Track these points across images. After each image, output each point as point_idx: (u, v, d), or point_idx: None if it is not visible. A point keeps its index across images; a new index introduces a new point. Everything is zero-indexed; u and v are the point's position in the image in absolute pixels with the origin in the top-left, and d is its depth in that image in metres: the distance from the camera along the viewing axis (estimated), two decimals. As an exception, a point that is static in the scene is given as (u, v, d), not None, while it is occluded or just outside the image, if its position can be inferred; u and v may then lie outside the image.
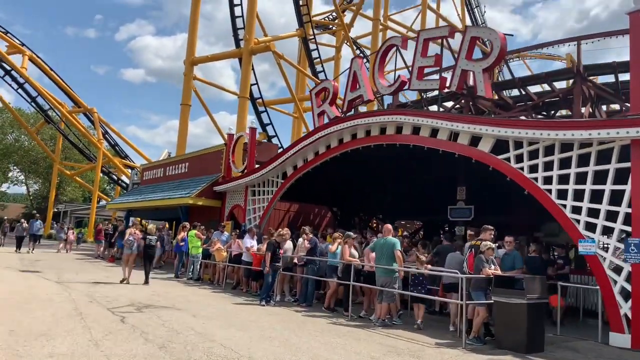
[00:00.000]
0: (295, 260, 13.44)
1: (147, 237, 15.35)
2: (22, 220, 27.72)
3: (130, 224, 17.51)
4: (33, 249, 25.23)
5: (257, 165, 20.32)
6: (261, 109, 37.75)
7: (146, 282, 15.06)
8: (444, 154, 15.86)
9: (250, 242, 14.84)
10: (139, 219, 34.95)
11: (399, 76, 15.18)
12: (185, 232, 18.21)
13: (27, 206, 63.72)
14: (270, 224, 19.60)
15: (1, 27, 42.93)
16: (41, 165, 56.39)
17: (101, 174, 46.56)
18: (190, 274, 17.62)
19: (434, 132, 13.28)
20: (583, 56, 16.74)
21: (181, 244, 18.00)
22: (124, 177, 46.40)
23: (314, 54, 39.18)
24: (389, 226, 10.79)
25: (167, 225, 27.69)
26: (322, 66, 41.09)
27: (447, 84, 13.89)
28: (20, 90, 43.45)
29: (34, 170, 57.27)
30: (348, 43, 46.29)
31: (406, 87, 15.20)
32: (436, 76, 14.64)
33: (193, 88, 37.96)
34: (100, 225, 27.96)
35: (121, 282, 14.96)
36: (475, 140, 12.38)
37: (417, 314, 10.36)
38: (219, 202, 21.95)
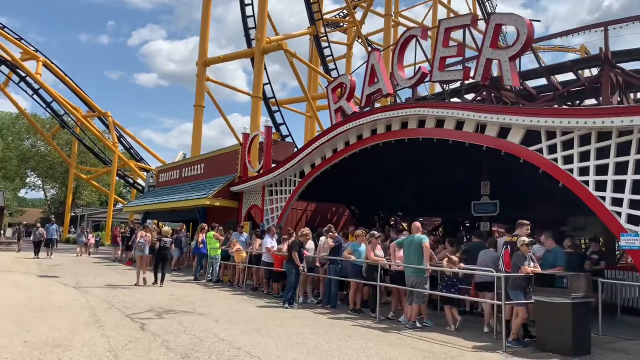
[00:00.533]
0: (318, 262, 12.89)
1: (162, 239, 15.15)
2: (38, 224, 27.32)
3: (142, 226, 17.25)
4: (51, 254, 24.59)
5: (273, 165, 19.81)
6: (274, 108, 37.37)
7: (160, 284, 14.82)
8: (467, 147, 15.25)
9: (270, 242, 14.29)
10: (156, 221, 34.73)
11: (419, 68, 14.56)
12: (204, 234, 17.73)
13: (45, 211, 63.88)
14: (287, 223, 19.06)
15: (15, 34, 42.94)
16: (58, 170, 56.45)
17: (117, 178, 46.41)
18: (209, 275, 17.14)
19: (459, 124, 12.66)
20: (595, 45, 16.04)
21: (200, 245, 17.52)
22: (139, 180, 46.24)
23: (326, 52, 38.64)
24: (417, 223, 10.20)
25: (184, 227, 27.23)
26: (335, 64, 40.52)
27: (472, 75, 13.25)
28: (35, 96, 43.49)
29: (50, 175, 57.36)
30: (360, 40, 45.64)
31: (427, 79, 14.59)
32: (459, 66, 14.03)
33: (206, 89, 37.57)
34: (117, 228, 27.78)
35: (135, 284, 14.74)
36: (503, 131, 11.73)
37: (449, 316, 9.74)
38: (235, 202, 21.46)
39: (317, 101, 42.26)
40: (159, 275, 14.87)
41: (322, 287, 12.91)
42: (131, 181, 47.62)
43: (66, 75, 44.27)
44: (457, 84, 15.75)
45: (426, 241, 9.74)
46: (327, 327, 9.54)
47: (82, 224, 51.00)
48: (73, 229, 48.66)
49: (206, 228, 18.01)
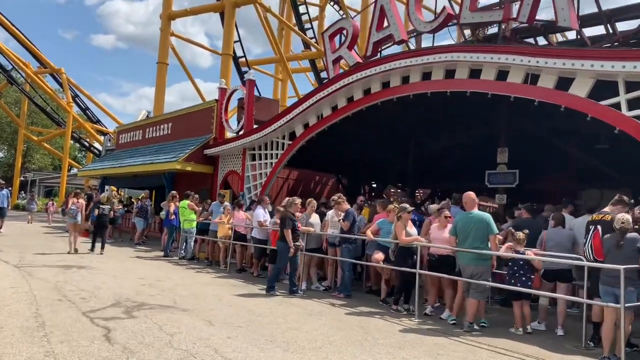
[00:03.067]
0: (324, 241, 10.34)
1: (100, 206, 14.51)
2: None
3: (73, 193, 15.28)
4: (0, 227, 18.76)
5: (255, 126, 17.00)
6: (244, 69, 34.13)
7: (101, 251, 14.10)
8: (484, 107, 12.91)
9: (263, 215, 11.62)
10: (114, 188, 31.31)
11: (443, 7, 11.93)
12: (175, 203, 14.88)
13: (-8, 175, 58.77)
14: (270, 193, 16.38)
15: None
16: (6, 130, 51.48)
17: (71, 141, 42.31)
18: (182, 252, 14.36)
19: (501, 73, 10.19)
20: None
21: (171, 217, 14.66)
22: (96, 144, 42.29)
23: (301, 9, 35.56)
24: (472, 195, 7.69)
25: (143, 195, 23.94)
26: (311, 23, 37.50)
27: (514, 15, 10.74)
28: (-24, 48, 38.64)
29: (-3, 136, 52.37)
30: (332, 3, 42.64)
31: (453, 21, 12.03)
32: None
33: (170, 45, 34.08)
34: (71, 195, 24.05)
35: (68, 253, 13.76)
36: (562, 82, 9.31)
37: (518, 316, 7.36)
38: (210, 167, 18.57)
39: (289, 63, 39.08)
40: (98, 244, 14.32)
41: (330, 270, 10.38)
42: (87, 145, 43.54)
43: (13, 24, 39.41)
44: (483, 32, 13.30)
45: (495, 230, 7.28)
46: (361, 330, 7.01)
47: (33, 189, 46.82)
48: (23, 195, 44.48)
49: (177, 197, 15.15)
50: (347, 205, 9.75)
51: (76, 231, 14.20)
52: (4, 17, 38.46)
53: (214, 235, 13.43)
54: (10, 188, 31.14)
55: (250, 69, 34.19)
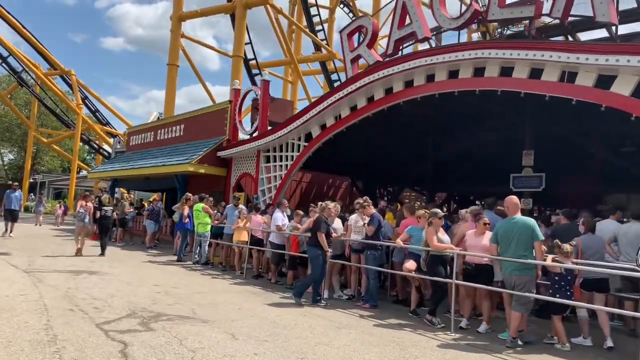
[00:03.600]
0: (348, 248, 9.78)
1: (102, 208, 14.28)
2: None
3: (82, 195, 15.04)
4: (11, 231, 17.90)
5: (269, 127, 16.49)
6: (255, 71, 33.69)
7: (102, 254, 13.89)
8: (502, 109, 12.43)
9: (281, 219, 11.10)
10: (124, 190, 30.91)
11: (470, 3, 11.37)
12: (189, 206, 14.37)
13: (2, 177, 58.55)
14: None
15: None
16: (16, 132, 51.20)
17: (81, 143, 42.00)
18: (196, 256, 13.85)
19: (535, 71, 9.63)
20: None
21: (185, 220, 14.14)
22: (105, 146, 41.98)
23: (312, 11, 35.07)
24: (515, 199, 7.10)
25: (154, 197, 23.35)
26: (322, 25, 36.99)
27: (548, 11, 10.17)
28: (-12, 50, 38.39)
29: (7, 138, 52.03)
30: (342, 6, 42.23)
31: (480, 18, 11.47)
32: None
33: (180, 47, 33.75)
34: (80, 198, 23.37)
35: (75, 254, 13.60)
36: (603, 80, 8.74)
37: (560, 330, 6.77)
38: (223, 170, 18.06)
39: (300, 65, 38.58)
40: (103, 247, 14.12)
41: (353, 278, 9.81)
42: (96, 147, 43.20)
43: (24, 27, 39.17)
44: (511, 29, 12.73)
45: (540, 237, 6.68)
46: (396, 347, 6.44)
47: (42, 191, 46.56)
48: (32, 197, 44.19)
49: (192, 199, 14.64)
50: (372, 210, 9.19)
51: (84, 234, 14.07)
52: (14, 18, 38.23)
53: (229, 240, 12.91)
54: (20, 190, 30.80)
55: (261, 71, 33.90)
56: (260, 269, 12.15)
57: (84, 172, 45.22)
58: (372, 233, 8.86)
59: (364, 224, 9.04)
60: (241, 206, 13.33)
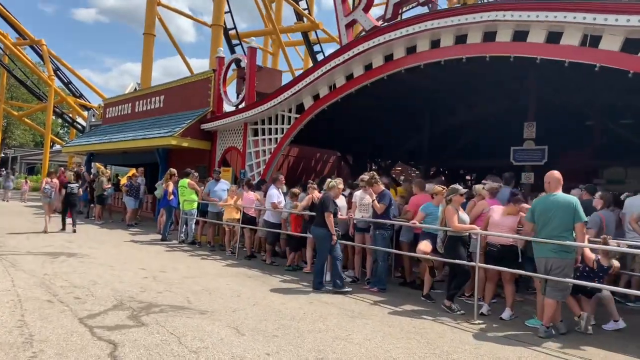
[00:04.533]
0: (352, 227, 8.98)
1: (68, 185, 14.01)
2: None
3: (47, 173, 15.13)
4: None
5: (256, 99, 15.46)
6: (235, 42, 32.32)
7: (73, 229, 13.68)
8: (502, 78, 11.72)
9: (277, 196, 10.22)
10: (100, 165, 29.53)
11: (479, -36, 10.47)
12: (174, 182, 13.38)
13: (-30, 152, 56.09)
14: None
15: None
16: (-16, 105, 48.76)
17: (53, 116, 40.08)
18: (182, 235, 12.94)
19: (552, 35, 8.83)
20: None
21: (170, 197, 13.15)
22: (79, 120, 40.16)
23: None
24: (557, 174, 6.29)
25: (133, 172, 21.98)
26: (304, -6, 35.47)
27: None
28: (-49, 17, 36.07)
29: (-25, 111, 49.57)
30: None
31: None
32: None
33: (157, 15, 32.10)
34: (62, 174, 21.28)
35: (43, 232, 13.34)
36: (630, 43, 7.98)
37: (576, 305, 6.13)
38: (207, 143, 17.01)
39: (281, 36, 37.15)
40: (68, 221, 13.92)
41: (357, 260, 9.04)
42: (70, 120, 41.33)
43: (-11, -7, 36.80)
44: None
45: (583, 217, 5.90)
46: (422, 340, 5.71)
47: (14, 166, 44.68)
48: (4, 172, 42.29)
49: (176, 175, 13.65)
50: (382, 186, 8.37)
51: (50, 210, 13.98)
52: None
53: (214, 217, 12.02)
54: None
55: (241, 41, 32.49)
56: (253, 249, 11.31)
57: (57, 147, 43.45)
58: (383, 211, 8.06)
59: (373, 200, 8.21)
60: (224, 181, 12.37)
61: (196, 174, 13.29)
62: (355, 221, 8.80)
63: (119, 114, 22.27)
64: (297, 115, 13.91)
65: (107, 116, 23.58)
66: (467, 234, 7.05)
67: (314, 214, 9.08)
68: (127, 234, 14.23)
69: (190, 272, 9.03)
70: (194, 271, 9.12)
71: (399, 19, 12.06)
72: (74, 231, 13.59)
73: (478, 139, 15.63)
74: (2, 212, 18.26)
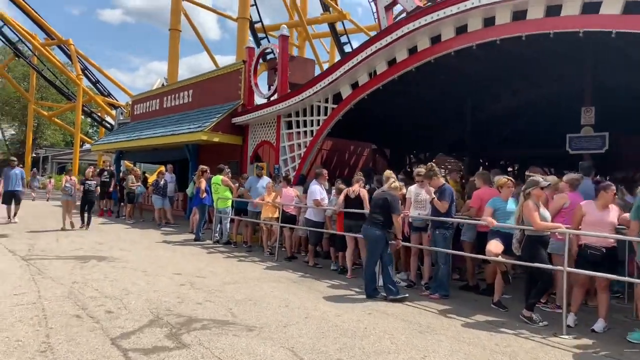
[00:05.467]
0: (407, 226, 8.03)
1: (86, 182, 14.00)
2: None
3: (64, 171, 14.79)
4: (15, 214, 14.81)
5: (289, 90, 14.57)
6: (261, 35, 31.49)
7: (87, 227, 13.78)
8: (556, 60, 10.61)
9: (320, 192, 9.32)
10: (129, 163, 29.06)
11: None
12: (206, 179, 12.60)
13: (4, 152, 56.61)
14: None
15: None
16: (15, 106, 49.01)
17: (82, 115, 39.92)
18: (217, 235, 12.16)
19: (631, 5, 7.73)
20: None
21: (203, 195, 12.37)
22: (108, 118, 39.93)
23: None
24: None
25: (160, 169, 21.25)
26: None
27: None
28: (-19, 20, 36.03)
29: (7, 112, 49.87)
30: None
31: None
32: None
33: (182, 10, 31.54)
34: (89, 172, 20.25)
35: (62, 229, 13.38)
36: None
37: None
38: (239, 138, 16.20)
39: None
40: (86, 218, 13.89)
41: (413, 261, 8.08)
42: (99, 119, 41.15)
43: (18, -5, 36.67)
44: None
45: None
46: (510, 360, 4.77)
47: (46, 166, 44.77)
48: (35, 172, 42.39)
49: (208, 171, 12.87)
50: (442, 180, 7.39)
51: (70, 208, 13.82)
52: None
53: (254, 217, 11.19)
54: (22, 165, 28.90)
55: (267, 35, 31.66)
56: (294, 250, 10.45)
57: (87, 146, 43.39)
58: (446, 210, 7.09)
59: (433, 198, 7.24)
60: (266, 177, 11.52)
61: (228, 170, 12.48)
62: (411, 219, 7.83)
63: (147, 110, 21.64)
64: (334, 106, 12.99)
65: (135, 113, 22.99)
66: (548, 233, 6.06)
67: (355, 210, 8.22)
68: (159, 234, 13.52)
69: (230, 276, 8.20)
70: (234, 275, 8.29)
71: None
72: (86, 229, 13.71)
73: (525, 126, 14.48)
74: (31, 213, 17.77)
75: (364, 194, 8.49)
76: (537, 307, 6.25)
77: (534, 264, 5.96)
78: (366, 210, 8.09)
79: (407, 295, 7.04)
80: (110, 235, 12.85)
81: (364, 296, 7.07)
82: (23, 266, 8.39)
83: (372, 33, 35.15)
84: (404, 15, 12.39)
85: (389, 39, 11.07)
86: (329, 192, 9.72)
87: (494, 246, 6.49)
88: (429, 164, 7.66)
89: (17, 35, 37.78)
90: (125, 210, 16.77)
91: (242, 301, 6.55)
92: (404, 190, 7.82)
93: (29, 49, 40.66)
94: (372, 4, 41.91)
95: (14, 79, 43.46)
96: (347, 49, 32.42)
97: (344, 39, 33.44)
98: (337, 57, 35.67)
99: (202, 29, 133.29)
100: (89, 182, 14.05)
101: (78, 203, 14.51)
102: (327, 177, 9.86)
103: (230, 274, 8.44)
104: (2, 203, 14.72)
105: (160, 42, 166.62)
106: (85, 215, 13.84)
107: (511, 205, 6.73)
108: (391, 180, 7.54)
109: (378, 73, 11.73)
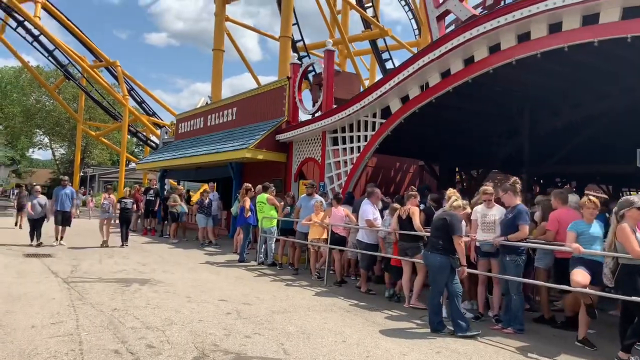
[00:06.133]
0: (472, 251, 7.21)
1: (122, 200, 14.34)
2: (37, 187, 14.73)
3: (105, 189, 14.82)
4: (62, 237, 13.82)
5: (334, 106, 13.99)
6: (302, 54, 31.22)
7: (125, 243, 13.95)
8: (621, 68, 9.67)
9: (372, 212, 8.61)
10: (174, 182, 29.07)
11: None
12: (250, 197, 12.09)
13: (54, 171, 58.20)
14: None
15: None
16: (65, 127, 50.27)
17: (128, 135, 40.50)
18: (261, 256, 11.58)
19: None
20: None
21: (247, 214, 11.85)
22: (153, 138, 40.37)
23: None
24: None
25: (204, 188, 20.90)
26: (372, 1, 33.96)
27: None
28: (35, 44, 37.11)
29: (57, 132, 51.24)
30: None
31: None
32: None
33: (225, 31, 31.73)
34: (137, 191, 19.04)
35: (101, 245, 13.67)
36: None
37: None
38: (283, 155, 15.69)
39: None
40: (124, 235, 14.07)
41: (481, 291, 7.24)
42: (144, 138, 41.66)
43: (68, 19, 37.75)
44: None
45: None
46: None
47: (93, 184, 45.61)
48: (82, 190, 43.21)
49: (252, 190, 12.36)
50: (518, 200, 6.56)
51: (108, 225, 13.99)
52: (58, 10, 36.94)
53: (302, 237, 10.55)
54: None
55: (309, 53, 31.40)
56: (345, 274, 9.76)
57: (132, 164, 43.93)
58: (526, 234, 6.27)
59: (504, 220, 6.41)
60: (318, 196, 10.89)
61: (273, 189, 11.94)
62: (478, 244, 7.03)
63: (191, 128, 21.47)
64: (383, 120, 12.31)
65: (179, 132, 22.89)
66: (649, 261, 5.18)
67: (409, 232, 7.49)
68: (202, 255, 13.06)
69: (278, 303, 7.56)
70: (282, 303, 7.65)
71: (501, 4, 10.25)
72: (125, 245, 13.87)
73: (586, 141, 13.40)
74: (79, 232, 17.68)
75: (414, 210, 7.72)
76: (635, 349, 5.34)
77: (631, 297, 5.08)
78: (417, 228, 7.37)
79: (479, 332, 6.21)
80: (153, 255, 12.46)
81: (428, 330, 6.31)
82: (64, 290, 7.98)
83: (414, 49, 34.65)
84: (452, 26, 11.73)
85: (442, 49, 10.34)
86: (382, 211, 8.99)
87: (581, 276, 5.64)
88: (514, 178, 6.78)
89: (67, 58, 38.80)
90: (170, 230, 16.43)
91: (293, 334, 5.89)
92: (468, 210, 7.03)
93: (79, 71, 41.75)
94: (413, 21, 41.45)
95: (64, 100, 44.63)
96: (389, 65, 31.84)
97: (385, 55, 32.90)
98: (378, 74, 35.13)
99: (244, 50, 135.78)
100: (125, 200, 14.37)
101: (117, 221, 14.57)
102: (380, 197, 9.11)
103: (278, 300, 7.80)
104: (55, 223, 13.85)
105: (203, 64, 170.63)
106: (124, 232, 14.03)
107: (595, 228, 5.87)
108: (453, 198, 6.78)
109: (431, 85, 11.01)
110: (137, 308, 6.89)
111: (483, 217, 7.00)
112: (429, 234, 7.15)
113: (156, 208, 17.41)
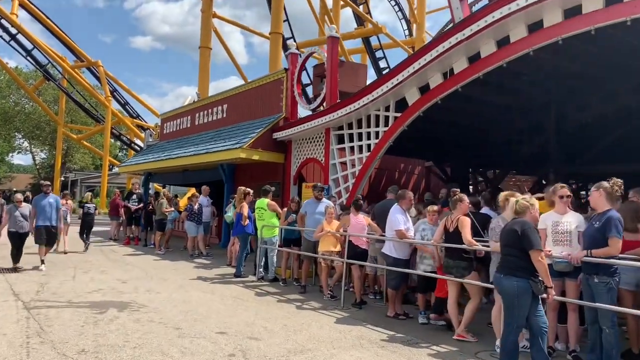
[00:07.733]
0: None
1: (85, 205, 14.30)
2: (9, 193, 15.81)
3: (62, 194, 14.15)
4: (43, 262, 10.50)
5: (339, 100, 12.45)
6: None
7: (85, 250, 13.56)
8: None
9: (404, 221, 6.99)
10: (159, 186, 27.24)
11: None
12: (248, 204, 10.44)
13: (35, 176, 55.79)
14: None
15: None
16: (45, 130, 48.07)
17: (111, 139, 38.54)
18: (261, 271, 9.93)
19: None
20: None
21: (245, 222, 10.18)
22: (137, 141, 38.46)
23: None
24: None
25: (193, 192, 19.27)
26: (365, -2, 32.49)
27: None
28: (13, 43, 35.06)
29: (37, 136, 48.98)
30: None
31: None
32: None
33: (213, 28, 30.16)
34: (117, 196, 16.81)
35: (62, 252, 12.94)
36: None
37: None
38: (280, 155, 14.06)
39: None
40: (85, 242, 13.87)
41: (551, 320, 5.64)
42: (128, 141, 39.72)
43: (48, 17, 35.74)
44: None
45: None
46: None
47: (75, 189, 43.50)
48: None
49: (251, 194, 10.72)
50: (608, 204, 5.00)
51: (65, 232, 13.15)
52: (37, 8, 34.94)
53: (309, 248, 8.93)
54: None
55: (300, 52, 29.82)
56: (366, 293, 8.19)
57: (116, 169, 41.94)
58: (618, 251, 4.75)
59: (588, 229, 4.88)
60: (327, 200, 9.28)
61: (272, 189, 10.31)
62: (550, 261, 5.45)
63: (178, 128, 19.74)
64: (397, 114, 10.76)
65: (164, 132, 21.13)
66: None
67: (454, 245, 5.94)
68: (192, 268, 11.38)
69: (292, 337, 5.92)
70: (297, 336, 6.00)
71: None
72: (86, 251, 13.52)
73: (622, 138, 11.97)
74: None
75: (463, 221, 6.10)
76: None
77: None
78: (468, 243, 5.82)
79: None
80: (135, 269, 10.75)
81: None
82: (22, 320, 6.30)
83: (409, 48, 33.28)
84: (475, 6, 10.25)
85: (474, 27, 8.78)
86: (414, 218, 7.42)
87: None
88: (614, 178, 5.17)
89: (47, 58, 36.79)
90: (154, 239, 14.65)
91: (324, 390, 4.27)
92: (537, 208, 5.34)
93: (59, 71, 39.75)
94: (403, 21, 40.10)
95: (45, 102, 42.52)
96: (383, 64, 30.44)
97: (379, 54, 31.49)
98: (372, 74, 33.73)
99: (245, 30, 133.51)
100: (87, 205, 14.24)
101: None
102: (412, 202, 7.45)
103: (292, 332, 6.16)
104: (35, 242, 10.57)
105: (189, 67, 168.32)
106: (84, 237, 13.84)
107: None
108: (512, 201, 5.23)
109: (456, 72, 9.48)
110: (112, 349, 5.21)
111: (555, 226, 5.45)
112: (485, 249, 5.61)
113: (137, 214, 15.68)
